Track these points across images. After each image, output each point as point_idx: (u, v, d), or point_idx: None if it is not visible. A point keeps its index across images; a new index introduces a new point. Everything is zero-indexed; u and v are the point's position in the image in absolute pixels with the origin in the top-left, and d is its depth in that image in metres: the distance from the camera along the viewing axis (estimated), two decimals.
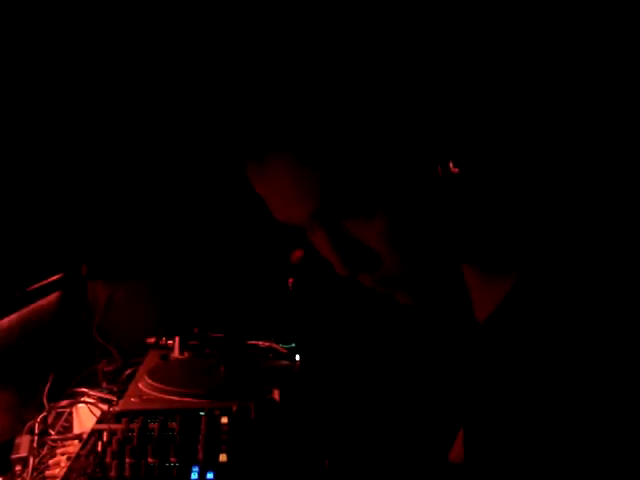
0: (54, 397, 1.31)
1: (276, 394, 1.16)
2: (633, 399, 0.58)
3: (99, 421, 1.11)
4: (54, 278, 1.52)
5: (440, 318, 0.91)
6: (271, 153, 0.64)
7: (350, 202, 0.63)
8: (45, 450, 1.14)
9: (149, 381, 1.24)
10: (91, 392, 1.33)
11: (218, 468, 0.95)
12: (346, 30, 0.63)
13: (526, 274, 0.68)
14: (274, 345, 1.54)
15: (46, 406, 1.26)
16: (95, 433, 1.04)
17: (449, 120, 0.64)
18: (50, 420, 1.24)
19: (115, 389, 1.36)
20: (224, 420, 1.07)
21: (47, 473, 1.07)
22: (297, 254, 1.65)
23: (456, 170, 0.63)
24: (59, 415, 1.27)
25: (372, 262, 0.67)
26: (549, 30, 0.83)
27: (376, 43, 0.63)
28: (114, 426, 1.04)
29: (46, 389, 1.30)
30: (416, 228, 0.65)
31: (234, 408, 1.10)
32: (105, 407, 1.25)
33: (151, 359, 1.43)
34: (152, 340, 1.54)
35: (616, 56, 0.92)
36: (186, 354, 1.46)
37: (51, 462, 1.10)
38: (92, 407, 1.25)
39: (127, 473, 0.93)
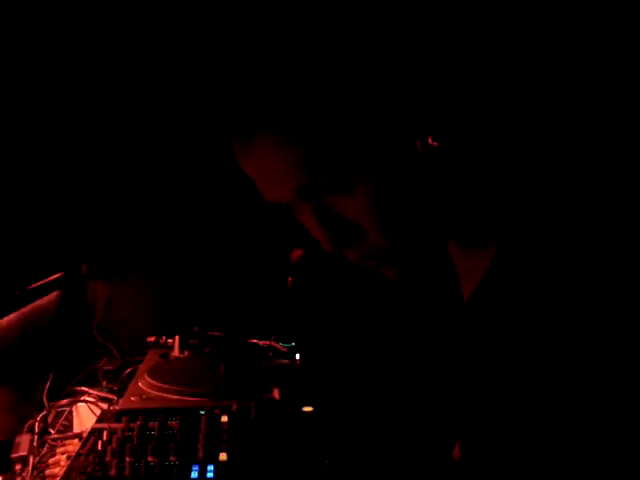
0: (54, 396, 1.31)
1: (276, 393, 1.16)
2: (625, 368, 0.58)
3: (99, 420, 1.10)
4: (54, 277, 1.52)
5: (427, 297, 0.92)
6: (256, 132, 0.66)
7: (332, 177, 0.65)
8: (45, 449, 1.14)
9: (149, 380, 1.24)
10: (91, 391, 1.33)
11: (218, 467, 0.95)
12: (327, 10, 0.64)
13: (503, 249, 0.70)
14: (274, 344, 1.54)
15: (46, 405, 1.26)
16: (95, 432, 1.04)
17: (427, 95, 0.65)
18: (50, 419, 1.24)
19: (115, 388, 1.36)
20: (224, 419, 1.07)
21: (47, 472, 1.07)
22: (297, 253, 1.65)
23: (435, 144, 0.65)
24: (59, 414, 1.27)
25: (356, 236, 0.68)
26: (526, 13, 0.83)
27: (357, 23, 0.64)
28: (114, 425, 1.04)
29: (46, 388, 1.30)
30: (397, 201, 0.67)
31: (234, 407, 1.10)
32: (105, 406, 1.25)
33: (151, 358, 1.43)
34: (152, 339, 1.54)
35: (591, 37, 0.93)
36: (186, 353, 1.46)
37: (51, 461, 1.10)
38: (92, 406, 1.25)
39: (127, 472, 0.93)
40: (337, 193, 0.66)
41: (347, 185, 0.65)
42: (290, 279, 1.62)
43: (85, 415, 1.24)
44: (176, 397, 1.17)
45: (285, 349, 1.51)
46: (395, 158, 0.65)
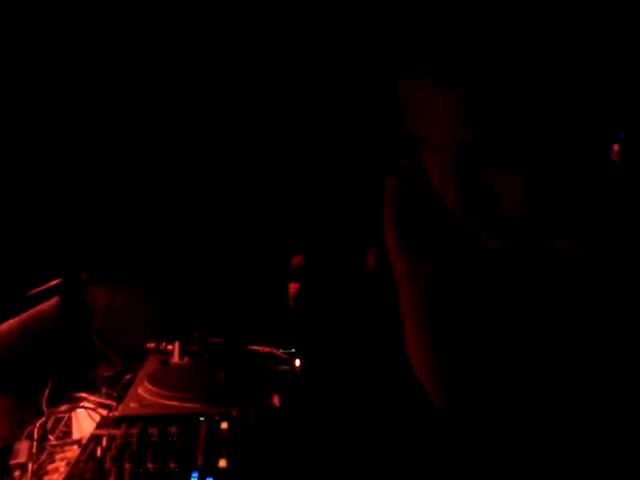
0: (53, 402, 1.31)
1: (276, 399, 1.16)
2: None
3: (98, 426, 1.10)
4: (53, 283, 1.51)
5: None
6: (419, 72, 0.66)
7: (496, 140, 0.62)
8: (44, 455, 1.13)
9: (149, 386, 1.23)
10: (90, 397, 1.32)
11: (218, 473, 0.95)
12: None
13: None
14: (274, 350, 1.53)
15: (45, 411, 1.26)
16: (94, 438, 1.04)
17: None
18: (49, 425, 1.24)
19: (114, 394, 1.35)
20: (224, 425, 1.07)
21: (46, 479, 1.07)
22: (297, 260, 1.65)
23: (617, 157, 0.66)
24: (58, 420, 1.26)
25: (489, 206, 0.66)
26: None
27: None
28: (113, 431, 1.04)
29: (45, 394, 1.30)
30: (556, 194, 0.65)
31: (234, 413, 1.09)
32: (104, 412, 1.24)
33: (151, 364, 1.43)
34: (152, 345, 1.53)
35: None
36: (186, 359, 1.46)
37: (50, 467, 1.10)
38: (91, 412, 1.25)
39: (126, 478, 0.93)
40: (500, 164, 0.64)
41: (513, 158, 0.63)
42: (292, 287, 1.62)
43: (84, 421, 1.24)
44: (176, 403, 1.17)
45: (285, 356, 1.51)
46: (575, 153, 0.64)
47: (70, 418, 1.26)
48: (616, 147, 0.66)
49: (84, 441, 1.08)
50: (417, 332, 0.82)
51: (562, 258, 0.75)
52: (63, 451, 1.16)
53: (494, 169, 0.64)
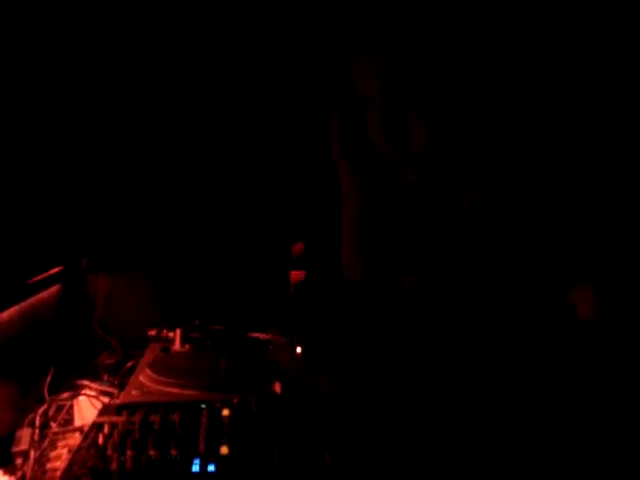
0: (55, 390, 1.31)
1: (277, 387, 1.16)
2: None
3: (100, 414, 1.10)
4: (54, 271, 1.51)
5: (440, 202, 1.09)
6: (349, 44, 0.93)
7: (403, 92, 0.88)
8: (46, 443, 1.14)
9: (150, 374, 1.23)
10: (92, 385, 1.32)
11: (219, 460, 0.95)
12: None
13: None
14: (275, 337, 1.53)
15: (47, 399, 1.26)
16: (96, 426, 1.04)
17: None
18: (51, 413, 1.24)
19: (116, 382, 1.36)
20: (225, 413, 1.07)
21: (48, 466, 1.07)
22: (298, 247, 1.65)
23: None
24: (60, 408, 1.27)
25: (405, 138, 0.94)
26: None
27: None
28: (115, 419, 1.04)
29: (47, 382, 1.30)
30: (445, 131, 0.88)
31: (235, 400, 1.10)
32: (106, 400, 1.25)
33: (152, 351, 1.43)
34: (153, 332, 1.54)
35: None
36: (187, 346, 1.46)
37: (52, 455, 1.10)
38: (93, 400, 1.25)
39: (128, 466, 0.93)
40: (406, 106, 0.89)
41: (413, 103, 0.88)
42: (292, 274, 1.63)
43: (86, 409, 1.24)
44: (177, 391, 1.17)
45: (287, 342, 1.51)
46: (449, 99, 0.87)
47: (72, 405, 1.26)
48: None
49: (86, 428, 1.08)
50: (352, 243, 1.14)
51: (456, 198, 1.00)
52: (65, 438, 1.16)
53: (408, 116, 0.92)
